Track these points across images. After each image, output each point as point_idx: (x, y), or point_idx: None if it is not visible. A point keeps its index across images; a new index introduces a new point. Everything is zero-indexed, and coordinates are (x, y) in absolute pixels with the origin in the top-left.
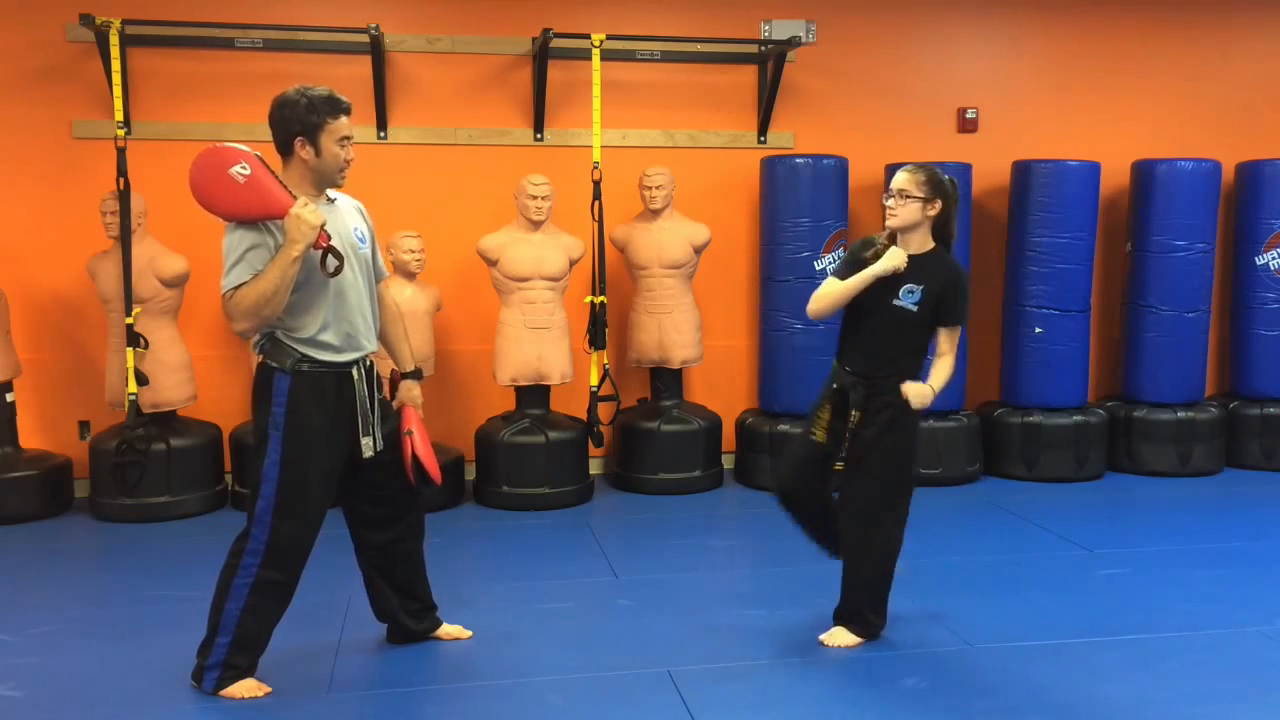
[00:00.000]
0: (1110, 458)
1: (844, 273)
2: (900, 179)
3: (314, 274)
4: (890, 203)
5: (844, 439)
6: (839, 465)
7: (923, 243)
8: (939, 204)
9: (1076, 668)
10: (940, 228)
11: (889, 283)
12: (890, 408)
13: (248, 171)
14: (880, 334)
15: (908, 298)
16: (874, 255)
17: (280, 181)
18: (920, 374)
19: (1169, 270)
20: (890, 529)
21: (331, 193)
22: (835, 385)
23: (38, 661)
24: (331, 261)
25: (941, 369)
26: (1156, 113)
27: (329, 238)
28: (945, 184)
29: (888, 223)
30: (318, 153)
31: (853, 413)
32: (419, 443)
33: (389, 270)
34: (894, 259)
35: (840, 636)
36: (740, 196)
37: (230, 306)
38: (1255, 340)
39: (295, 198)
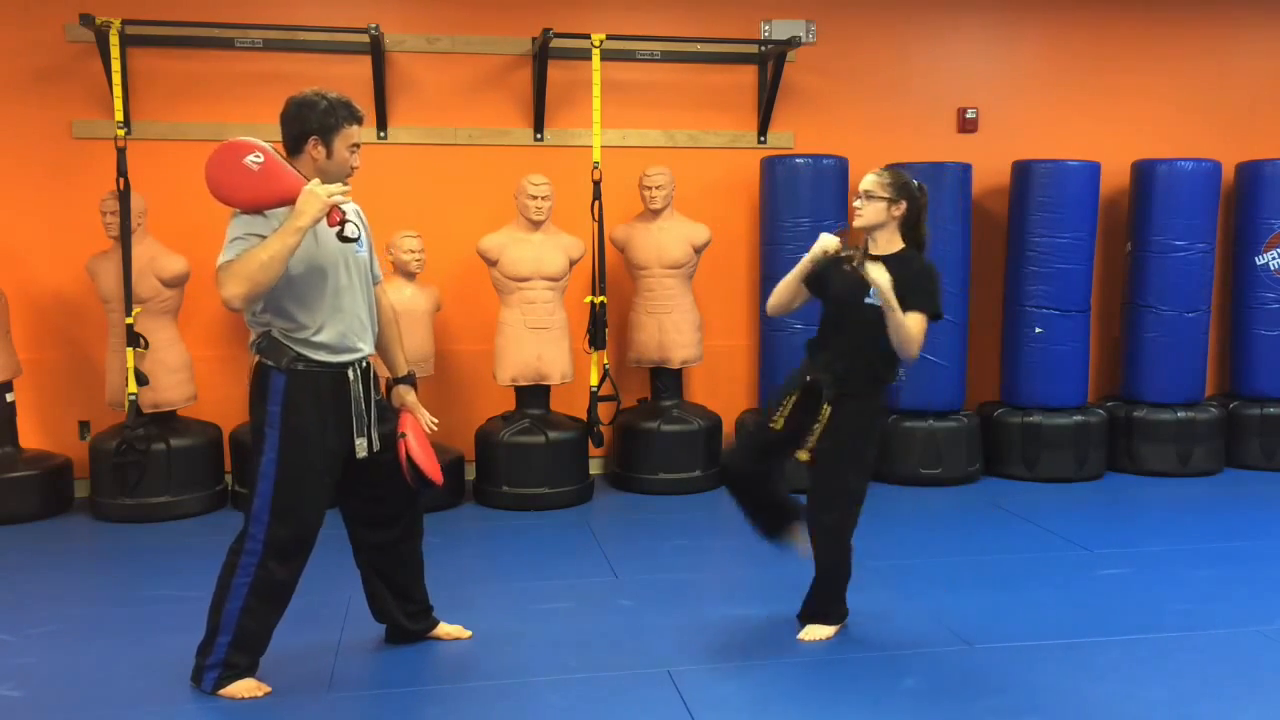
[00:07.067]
0: (1110, 458)
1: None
2: (867, 180)
3: (313, 273)
4: (857, 203)
5: (808, 431)
6: (803, 456)
7: (889, 243)
8: (904, 205)
9: (1076, 668)
10: (910, 229)
11: (862, 283)
12: (858, 398)
13: (261, 160)
14: (854, 333)
15: (876, 295)
16: (848, 258)
17: (294, 167)
18: (894, 381)
19: (1169, 270)
20: (847, 509)
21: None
22: (807, 379)
23: (38, 661)
24: (352, 229)
25: (900, 316)
26: (1156, 113)
27: (343, 214)
28: (911, 186)
29: (854, 223)
30: (329, 154)
31: (824, 407)
32: (414, 446)
33: (389, 271)
34: (823, 243)
35: (815, 631)
36: (740, 196)
37: (224, 274)
38: (1255, 340)
39: (307, 179)
